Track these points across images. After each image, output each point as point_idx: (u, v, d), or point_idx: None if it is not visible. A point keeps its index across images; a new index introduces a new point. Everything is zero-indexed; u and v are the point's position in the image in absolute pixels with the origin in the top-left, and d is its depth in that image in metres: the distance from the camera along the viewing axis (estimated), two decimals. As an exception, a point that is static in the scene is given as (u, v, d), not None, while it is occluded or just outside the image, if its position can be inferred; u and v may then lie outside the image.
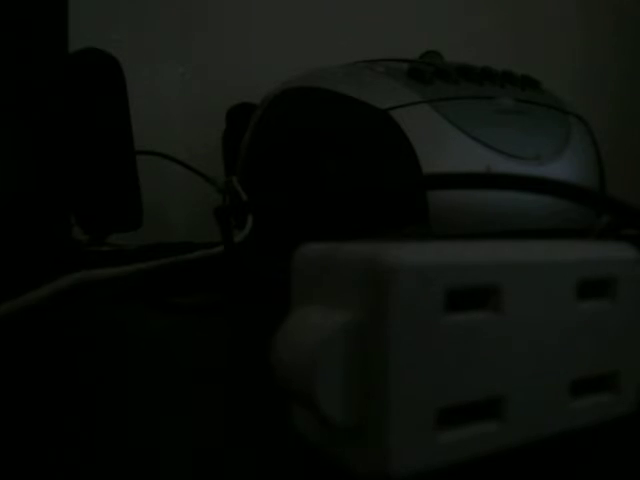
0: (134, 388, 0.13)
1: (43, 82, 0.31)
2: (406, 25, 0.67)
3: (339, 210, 0.32)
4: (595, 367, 0.10)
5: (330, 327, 0.08)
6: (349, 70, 0.38)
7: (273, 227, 0.35)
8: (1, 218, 0.28)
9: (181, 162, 0.54)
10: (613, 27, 0.72)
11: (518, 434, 0.09)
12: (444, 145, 0.32)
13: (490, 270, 0.09)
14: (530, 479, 0.09)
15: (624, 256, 0.10)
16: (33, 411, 0.12)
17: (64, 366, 0.15)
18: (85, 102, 0.43)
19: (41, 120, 0.31)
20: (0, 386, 0.13)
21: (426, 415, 0.08)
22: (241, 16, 0.65)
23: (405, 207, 0.32)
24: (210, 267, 0.27)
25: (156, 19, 0.63)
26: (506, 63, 0.40)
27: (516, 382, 0.09)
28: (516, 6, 0.71)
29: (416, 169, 0.32)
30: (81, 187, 0.43)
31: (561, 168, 0.34)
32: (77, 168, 0.41)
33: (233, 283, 0.25)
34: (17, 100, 0.30)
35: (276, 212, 0.35)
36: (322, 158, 0.35)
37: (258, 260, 0.28)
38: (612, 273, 0.10)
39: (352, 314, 0.08)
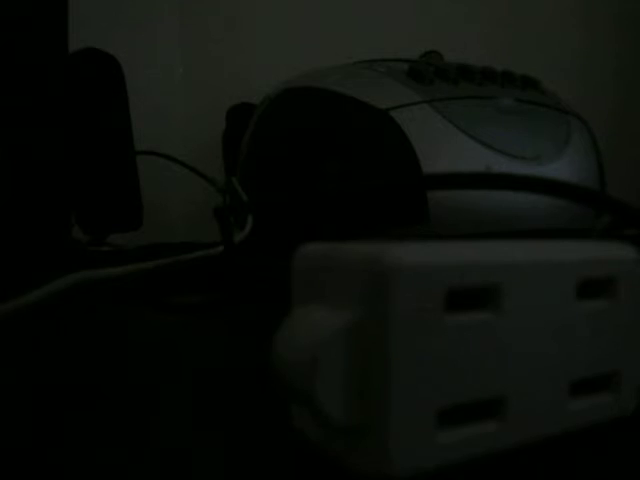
0: (134, 388, 0.13)
1: (43, 82, 0.31)
2: (406, 25, 0.67)
3: (339, 210, 0.32)
4: (595, 367, 0.10)
5: (330, 327, 0.08)
6: (349, 70, 0.38)
7: (273, 227, 0.35)
8: (1, 218, 0.28)
9: (181, 162, 0.54)
10: (613, 27, 0.72)
11: (518, 434, 0.09)
12: (444, 145, 0.32)
13: (490, 270, 0.09)
14: (530, 479, 0.09)
15: (624, 256, 0.10)
16: (33, 411, 0.12)
17: (64, 366, 0.15)
18: (85, 102, 0.43)
19: (41, 120, 0.31)
20: (0, 386, 0.13)
21: (426, 415, 0.08)
22: (241, 16, 0.65)
23: (405, 207, 0.32)
24: (210, 267, 0.27)
25: (156, 19, 0.63)
26: (506, 63, 0.40)
27: (516, 382, 0.09)
28: (516, 6, 0.71)
29: (416, 169, 0.32)
30: (81, 187, 0.43)
31: (561, 168, 0.34)
32: (77, 168, 0.41)
33: (233, 283, 0.25)
34: (17, 100, 0.30)
35: (276, 212, 0.35)
36: (322, 158, 0.35)
37: (258, 260, 0.28)
38: (612, 273, 0.10)
39: (352, 314, 0.08)
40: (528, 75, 0.38)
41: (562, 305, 0.09)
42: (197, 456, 0.09)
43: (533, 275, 0.09)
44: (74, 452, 0.10)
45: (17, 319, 0.18)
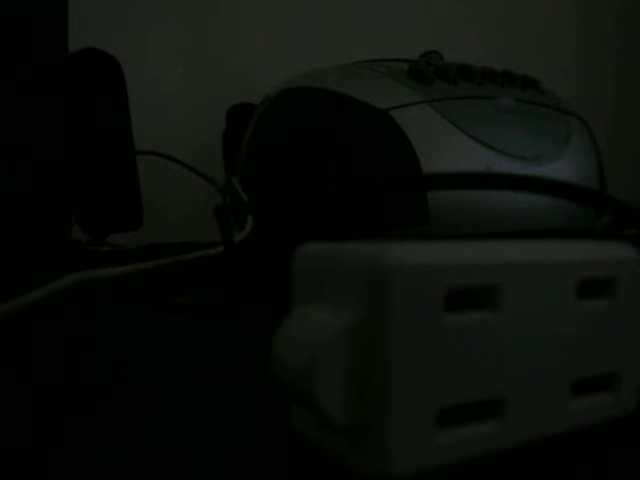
0: (134, 388, 0.13)
1: (43, 82, 0.31)
2: (406, 25, 0.67)
3: (339, 210, 0.32)
4: (595, 367, 0.10)
5: (330, 327, 0.08)
6: (349, 70, 0.38)
7: (273, 227, 0.35)
8: (1, 218, 0.28)
9: (181, 162, 0.54)
10: (613, 27, 0.72)
11: (518, 434, 0.09)
12: (444, 145, 0.32)
13: (490, 270, 0.09)
14: (530, 479, 0.09)
15: (624, 256, 0.10)
16: (33, 411, 0.12)
17: (64, 366, 0.15)
18: (85, 102, 0.43)
19: (41, 120, 0.31)
20: (0, 386, 0.13)
21: (426, 415, 0.08)
22: (241, 16, 0.65)
23: (405, 207, 0.32)
24: (210, 267, 0.27)
25: (156, 19, 0.63)
26: (506, 63, 0.40)
27: (516, 382, 0.09)
28: (516, 6, 0.71)
29: (416, 169, 0.32)
30: (81, 187, 0.43)
31: (561, 168, 0.34)
32: (77, 168, 0.41)
33: (233, 283, 0.25)
34: (17, 100, 0.30)
35: (276, 212, 0.35)
36: (322, 158, 0.35)
37: (258, 260, 0.28)
38: (612, 273, 0.10)
39: (352, 314, 0.08)
40: (528, 75, 0.38)
41: (562, 305, 0.09)
42: (197, 456, 0.09)
43: (533, 275, 0.09)
44: (74, 452, 0.10)
45: (17, 319, 0.18)
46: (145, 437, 0.10)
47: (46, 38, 0.31)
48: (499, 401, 0.09)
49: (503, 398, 0.09)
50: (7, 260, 0.27)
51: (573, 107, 0.39)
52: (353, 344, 0.08)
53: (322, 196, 0.30)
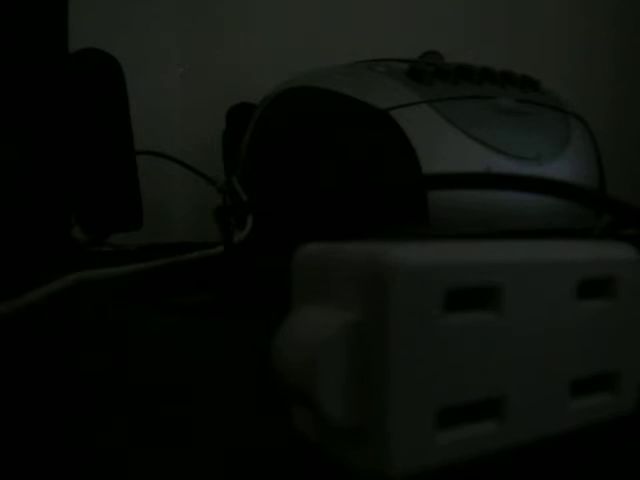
0: (134, 388, 0.13)
1: (43, 82, 0.31)
2: (406, 25, 0.67)
3: (339, 210, 0.32)
4: (595, 367, 0.10)
5: (330, 327, 0.08)
6: (349, 70, 0.38)
7: (273, 227, 0.35)
8: (1, 218, 0.28)
9: (181, 162, 0.54)
10: (613, 27, 0.72)
11: (518, 434, 0.09)
12: (444, 145, 0.32)
13: (490, 270, 0.09)
14: (530, 479, 0.09)
15: (624, 256, 0.10)
16: (33, 412, 0.12)
17: (64, 366, 0.15)
18: (85, 102, 0.43)
19: (41, 120, 0.31)
20: (0, 386, 0.13)
21: (426, 415, 0.08)
22: (241, 16, 0.65)
23: (405, 207, 0.32)
24: (210, 267, 0.27)
25: (156, 19, 0.63)
26: (506, 63, 0.40)
27: (516, 382, 0.09)
28: (516, 6, 0.71)
29: (416, 169, 0.32)
30: (81, 187, 0.43)
31: (561, 168, 0.35)
32: (77, 168, 0.41)
33: (233, 283, 0.25)
34: (17, 100, 0.30)
35: (276, 212, 0.35)
36: (322, 158, 0.35)
37: (258, 260, 0.28)
38: (612, 273, 0.10)
39: (352, 314, 0.08)
40: (528, 75, 0.38)
41: (562, 305, 0.09)
42: (197, 456, 0.09)
43: (533, 275, 0.09)
44: (74, 452, 0.10)
45: (17, 319, 0.18)
46: (145, 437, 0.10)
47: (46, 38, 0.31)
48: (499, 401, 0.09)
49: (503, 398, 0.09)
50: (7, 260, 0.27)
51: (573, 107, 0.39)
52: (353, 344, 0.08)
53: (322, 196, 0.30)
